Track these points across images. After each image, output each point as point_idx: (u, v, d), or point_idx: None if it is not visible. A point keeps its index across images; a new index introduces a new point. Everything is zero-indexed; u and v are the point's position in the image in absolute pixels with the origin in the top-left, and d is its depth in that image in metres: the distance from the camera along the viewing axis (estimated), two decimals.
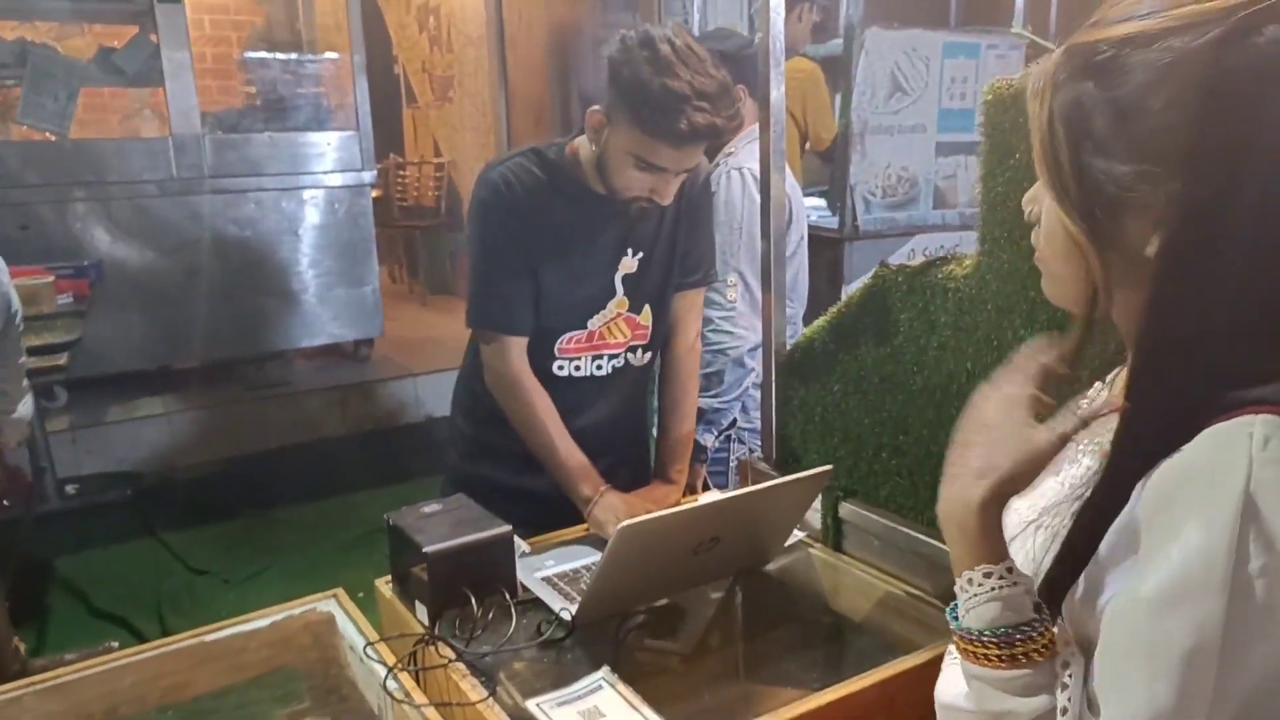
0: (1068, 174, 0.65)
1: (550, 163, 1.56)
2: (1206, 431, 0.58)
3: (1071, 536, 0.68)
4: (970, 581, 0.68)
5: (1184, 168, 0.59)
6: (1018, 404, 0.70)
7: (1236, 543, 0.54)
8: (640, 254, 1.61)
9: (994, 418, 0.71)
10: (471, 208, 1.58)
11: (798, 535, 1.47)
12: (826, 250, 3.47)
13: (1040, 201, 0.71)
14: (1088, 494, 0.67)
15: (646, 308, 1.65)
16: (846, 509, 1.45)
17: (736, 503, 1.29)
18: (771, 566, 1.43)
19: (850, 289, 3.48)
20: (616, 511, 1.47)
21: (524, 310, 1.56)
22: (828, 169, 3.65)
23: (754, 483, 1.60)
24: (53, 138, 3.66)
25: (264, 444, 3.82)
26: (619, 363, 1.65)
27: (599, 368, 1.63)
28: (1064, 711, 0.64)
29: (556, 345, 1.60)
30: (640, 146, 1.42)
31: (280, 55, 4.65)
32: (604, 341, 1.62)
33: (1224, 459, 0.56)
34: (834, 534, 1.46)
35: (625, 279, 1.61)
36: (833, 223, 3.59)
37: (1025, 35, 3.48)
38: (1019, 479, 0.68)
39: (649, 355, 1.68)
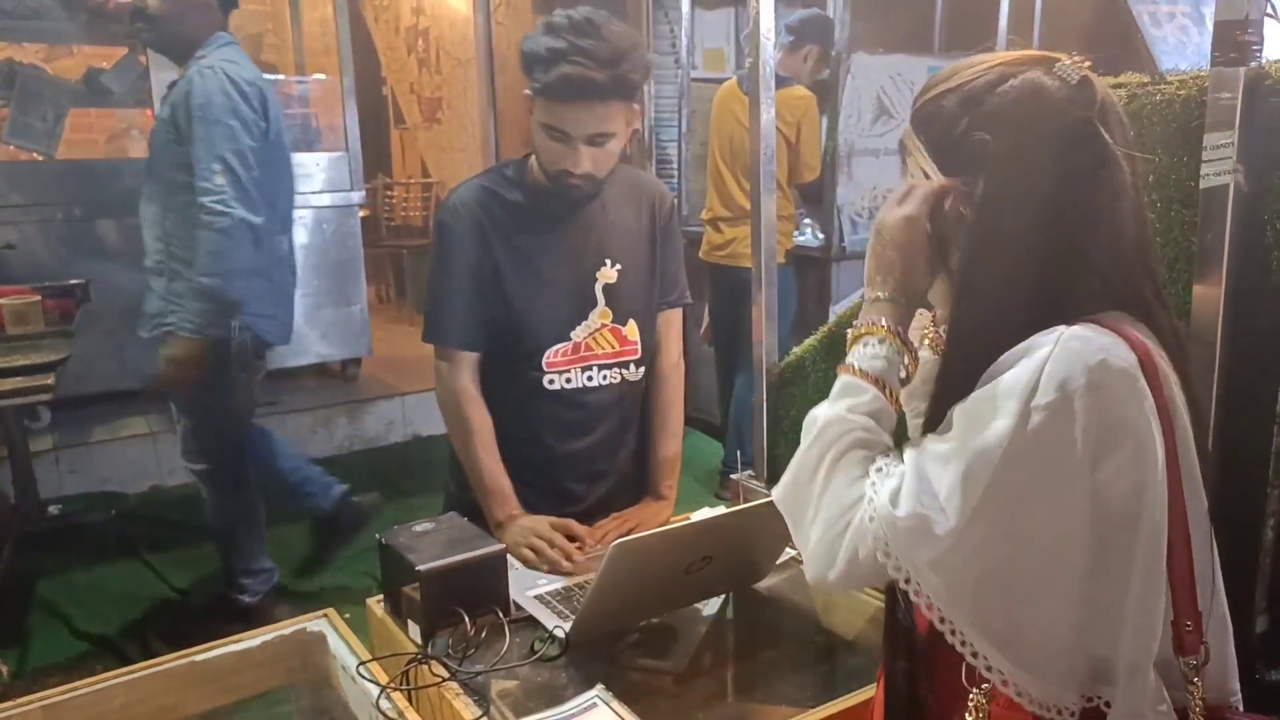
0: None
1: (508, 177, 1.61)
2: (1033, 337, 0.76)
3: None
4: (869, 337, 0.86)
5: (978, 172, 0.81)
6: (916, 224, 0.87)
7: (1032, 381, 0.72)
8: (619, 265, 1.62)
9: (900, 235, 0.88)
10: (433, 231, 1.61)
11: (789, 553, 1.47)
12: (814, 270, 3.51)
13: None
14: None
15: (632, 322, 1.65)
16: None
17: (728, 521, 1.30)
18: (763, 585, 1.44)
19: (838, 308, 3.53)
20: (526, 534, 1.50)
21: (473, 328, 1.59)
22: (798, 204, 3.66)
23: (746, 501, 1.61)
24: (40, 158, 3.65)
25: None
26: (613, 378, 1.65)
27: (589, 379, 1.63)
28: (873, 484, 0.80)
29: (544, 359, 1.61)
30: (542, 113, 1.46)
31: (269, 76, 4.66)
32: (591, 353, 1.63)
33: (1041, 338, 0.75)
34: None
35: (606, 289, 1.62)
36: (819, 243, 3.63)
37: None
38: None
39: (641, 371, 1.69)
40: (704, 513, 1.54)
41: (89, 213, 3.71)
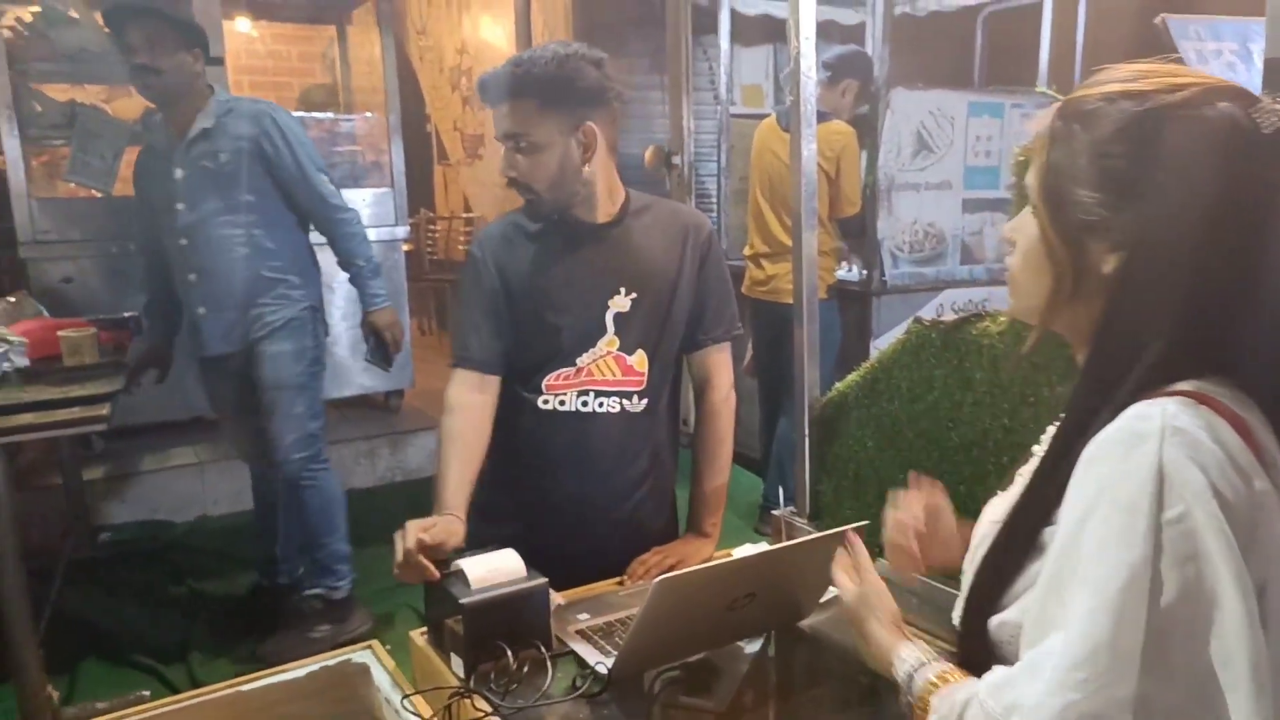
0: (1054, 199, 0.80)
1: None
2: (1129, 409, 0.73)
3: (1022, 498, 0.84)
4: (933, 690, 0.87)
5: (1137, 200, 0.75)
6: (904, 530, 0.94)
7: (1154, 496, 0.67)
8: (634, 294, 1.62)
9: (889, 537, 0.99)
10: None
11: (832, 592, 1.45)
12: (855, 304, 3.50)
13: (1022, 230, 0.85)
14: (1031, 475, 0.84)
15: (640, 352, 1.64)
16: (883, 566, 1.44)
17: (771, 558, 1.29)
18: (807, 623, 1.42)
19: (879, 343, 3.51)
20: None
21: (481, 349, 1.63)
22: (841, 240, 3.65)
23: (788, 538, 1.59)
24: (98, 194, 3.77)
25: None
26: (612, 406, 1.63)
27: (584, 404, 1.62)
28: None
29: (544, 381, 1.62)
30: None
31: (318, 115, 4.79)
32: (591, 378, 1.62)
33: (1141, 426, 0.70)
34: None
35: (617, 317, 1.63)
36: (860, 278, 3.62)
37: (1051, 94, 3.52)
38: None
39: (645, 403, 1.66)
40: (746, 549, 1.53)
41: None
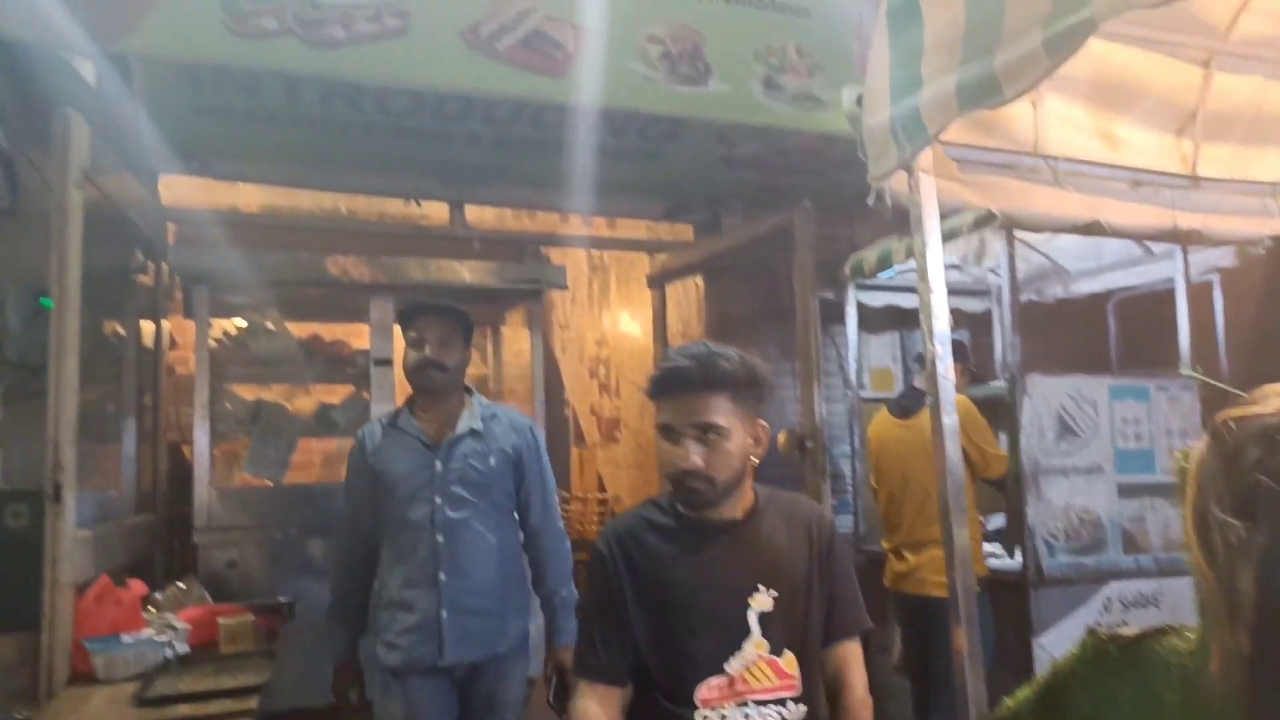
0: (1202, 523, 0.84)
1: (661, 506, 1.66)
2: None
3: None
4: None
5: (1268, 520, 0.77)
6: None
7: None
8: (774, 592, 1.58)
9: None
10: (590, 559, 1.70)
11: None
12: (1011, 597, 3.28)
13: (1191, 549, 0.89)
14: None
15: (789, 653, 1.58)
16: None
17: None
18: None
19: (1041, 641, 3.25)
20: None
21: (605, 660, 1.58)
22: (999, 500, 3.55)
23: None
24: (270, 484, 4.09)
25: None
26: (771, 717, 1.55)
27: (746, 717, 1.53)
28: None
29: (696, 694, 1.54)
30: (656, 416, 1.60)
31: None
32: (747, 687, 1.54)
33: None
34: None
35: (761, 618, 1.57)
36: (1013, 566, 3.43)
37: (1196, 375, 3.45)
38: None
39: (804, 711, 1.57)
40: None
41: (303, 532, 4.04)
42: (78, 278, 2.66)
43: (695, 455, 1.54)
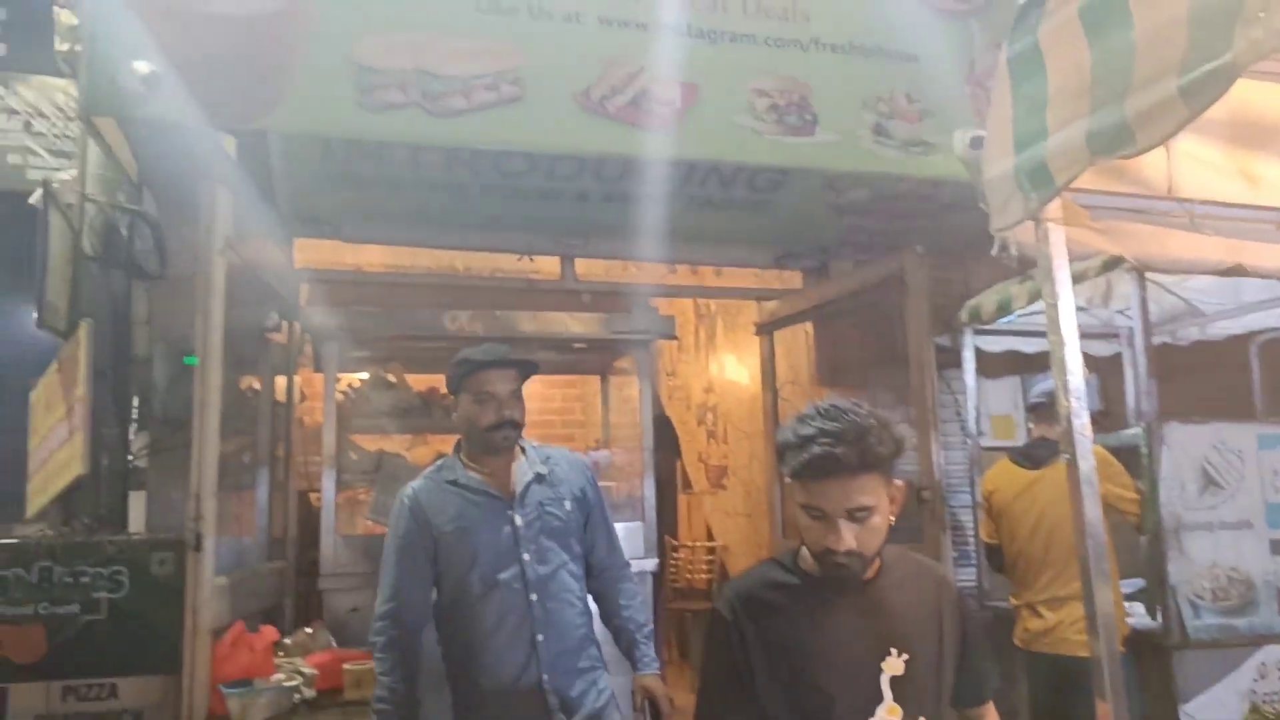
0: None
1: (784, 565, 1.62)
2: None
3: None
4: None
5: None
6: None
7: None
8: (905, 655, 1.53)
9: None
10: (707, 625, 1.66)
11: None
12: (1154, 660, 3.08)
13: None
14: None
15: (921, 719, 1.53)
16: None
17: None
18: None
19: (1188, 709, 3.03)
20: None
21: None
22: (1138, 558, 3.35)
23: None
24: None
25: None
26: None
27: None
28: None
29: None
30: (800, 494, 1.53)
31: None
32: None
33: None
34: None
35: (894, 682, 1.52)
36: (1155, 627, 3.22)
37: None
38: None
39: None
40: None
41: None
42: (220, 338, 2.82)
43: (849, 536, 1.50)
